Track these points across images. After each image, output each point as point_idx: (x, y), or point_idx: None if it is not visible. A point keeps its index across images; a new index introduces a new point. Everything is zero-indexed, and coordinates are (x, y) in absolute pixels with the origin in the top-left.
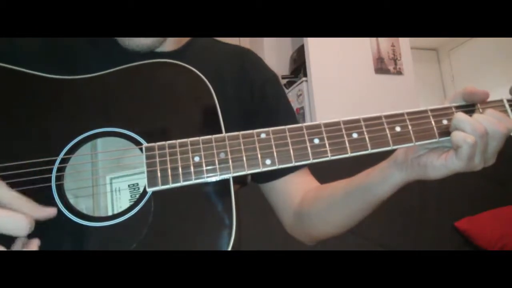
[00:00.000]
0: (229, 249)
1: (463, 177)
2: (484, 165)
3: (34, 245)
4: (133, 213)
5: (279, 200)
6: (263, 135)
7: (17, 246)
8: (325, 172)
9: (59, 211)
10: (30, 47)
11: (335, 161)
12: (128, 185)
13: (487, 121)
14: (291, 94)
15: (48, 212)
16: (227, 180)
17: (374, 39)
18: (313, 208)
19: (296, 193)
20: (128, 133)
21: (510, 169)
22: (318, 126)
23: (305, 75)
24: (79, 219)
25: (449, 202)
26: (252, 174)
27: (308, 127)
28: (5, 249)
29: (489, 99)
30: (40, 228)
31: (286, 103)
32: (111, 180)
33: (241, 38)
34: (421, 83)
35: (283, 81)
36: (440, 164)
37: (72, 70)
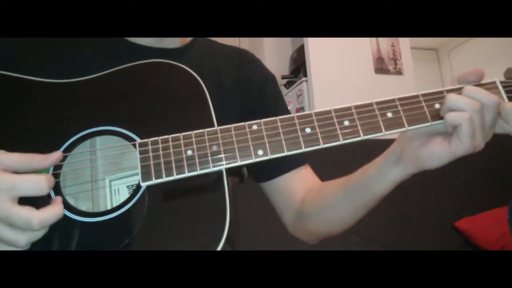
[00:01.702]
0: (223, 240)
1: (464, 176)
2: (484, 141)
3: (58, 201)
4: (127, 208)
5: (280, 198)
6: (255, 127)
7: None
8: (327, 169)
9: None
10: (28, 49)
11: (337, 156)
12: (127, 186)
13: (478, 92)
14: (291, 94)
15: (54, 157)
16: (221, 173)
17: (374, 39)
18: (314, 207)
19: (297, 191)
20: (123, 132)
21: (510, 169)
22: (309, 115)
23: (305, 75)
24: (74, 215)
25: (449, 202)
26: (253, 174)
27: (299, 117)
28: (34, 209)
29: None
30: None
31: (284, 104)
32: (110, 181)
33: (241, 38)
34: (421, 83)
35: (283, 81)
36: (444, 151)
37: (70, 71)
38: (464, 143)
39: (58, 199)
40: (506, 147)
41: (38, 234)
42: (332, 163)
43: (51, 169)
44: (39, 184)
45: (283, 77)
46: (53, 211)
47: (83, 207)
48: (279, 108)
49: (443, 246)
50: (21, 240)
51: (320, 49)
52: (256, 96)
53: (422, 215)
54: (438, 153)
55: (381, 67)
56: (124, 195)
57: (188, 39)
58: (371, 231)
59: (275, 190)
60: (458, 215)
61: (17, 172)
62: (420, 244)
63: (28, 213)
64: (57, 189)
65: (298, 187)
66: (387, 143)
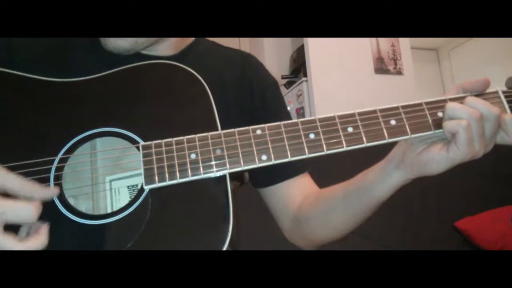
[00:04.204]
0: (227, 244)
1: (464, 177)
2: (484, 151)
3: (43, 231)
4: (130, 211)
5: (278, 205)
6: (258, 131)
7: (23, 233)
8: (326, 176)
9: (58, 210)
10: (27, 50)
11: (337, 164)
12: (128, 186)
13: (480, 103)
14: (291, 94)
15: (52, 192)
16: (224, 177)
17: (374, 39)
18: (312, 212)
19: (295, 198)
20: (125, 133)
21: (510, 169)
22: (313, 121)
23: (305, 75)
24: (77, 218)
25: (449, 202)
26: (252, 180)
27: (303, 123)
28: (14, 238)
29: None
30: None
31: (285, 110)
32: (110, 181)
33: (241, 38)
34: (421, 83)
35: (283, 81)
36: (443, 157)
37: (70, 73)
38: (462, 151)
39: (44, 228)
40: (507, 147)
41: None
42: (332, 167)
43: (53, 170)
44: (28, 212)
45: (283, 77)
46: (36, 243)
47: (83, 207)
48: (280, 114)
49: (443, 246)
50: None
51: (320, 49)
52: (257, 101)
53: (422, 215)
54: (437, 159)
55: (381, 67)
56: (125, 195)
57: (184, 45)
58: (371, 231)
59: (273, 196)
60: (458, 215)
61: (8, 195)
62: (420, 244)
63: (10, 244)
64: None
65: (296, 194)
66: (387, 147)
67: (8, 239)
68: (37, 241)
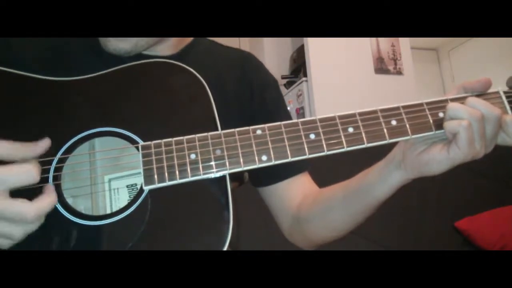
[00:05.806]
0: (227, 245)
1: (464, 177)
2: (485, 151)
3: (51, 189)
4: (129, 212)
5: (278, 204)
6: (259, 132)
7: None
8: (325, 176)
9: (57, 211)
10: (25, 51)
11: (336, 164)
12: (127, 186)
13: (480, 104)
14: (291, 94)
15: (44, 144)
16: (224, 177)
17: (374, 39)
18: (312, 211)
19: (295, 197)
20: (125, 133)
21: (510, 169)
22: (313, 121)
23: (305, 75)
24: (76, 218)
25: (449, 202)
26: (252, 179)
27: (303, 123)
28: (27, 202)
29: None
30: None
31: (285, 110)
32: (109, 180)
33: (241, 38)
34: (421, 83)
35: (283, 81)
36: (443, 157)
37: (69, 72)
38: (463, 151)
39: (51, 187)
40: (507, 147)
41: (34, 226)
42: (332, 166)
43: (51, 171)
44: (30, 173)
45: (283, 77)
46: (47, 201)
47: (82, 206)
48: (280, 113)
49: (443, 246)
50: (16, 233)
51: (320, 49)
52: (257, 101)
53: (422, 215)
54: (438, 159)
55: (381, 67)
56: (124, 195)
57: (183, 45)
58: (371, 231)
59: (273, 195)
60: (458, 215)
61: (4, 162)
62: (420, 244)
63: (21, 206)
64: (58, 192)
65: (296, 193)
66: (388, 147)
67: (18, 202)
68: (49, 198)
